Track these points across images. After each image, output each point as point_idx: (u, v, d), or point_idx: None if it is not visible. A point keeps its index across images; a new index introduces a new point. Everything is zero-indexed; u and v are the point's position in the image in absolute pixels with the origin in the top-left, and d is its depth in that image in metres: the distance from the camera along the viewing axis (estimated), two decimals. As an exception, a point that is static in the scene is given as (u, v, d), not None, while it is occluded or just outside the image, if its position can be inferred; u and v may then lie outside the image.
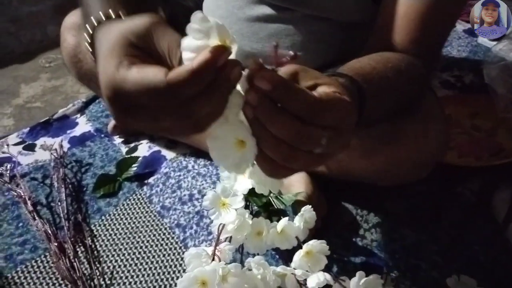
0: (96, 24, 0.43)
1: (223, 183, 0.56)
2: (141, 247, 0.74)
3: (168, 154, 0.92)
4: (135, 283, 0.69)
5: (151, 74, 0.32)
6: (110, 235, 0.76)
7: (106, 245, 0.75)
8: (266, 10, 0.78)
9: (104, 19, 0.42)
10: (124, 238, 0.76)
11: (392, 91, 0.56)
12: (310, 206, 0.61)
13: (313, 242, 0.56)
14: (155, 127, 0.35)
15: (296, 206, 0.67)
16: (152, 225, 0.77)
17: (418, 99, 0.65)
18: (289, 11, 0.77)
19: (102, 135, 0.97)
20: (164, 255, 0.72)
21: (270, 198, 0.68)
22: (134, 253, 0.73)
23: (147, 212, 0.79)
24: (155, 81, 0.32)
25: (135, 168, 0.87)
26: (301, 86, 0.35)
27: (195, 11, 0.33)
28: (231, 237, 0.58)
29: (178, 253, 0.72)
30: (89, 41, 0.44)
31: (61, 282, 0.69)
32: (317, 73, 0.38)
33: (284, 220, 0.58)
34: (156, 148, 0.93)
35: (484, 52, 1.29)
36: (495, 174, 0.87)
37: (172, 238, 0.75)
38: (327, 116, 0.34)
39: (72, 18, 0.83)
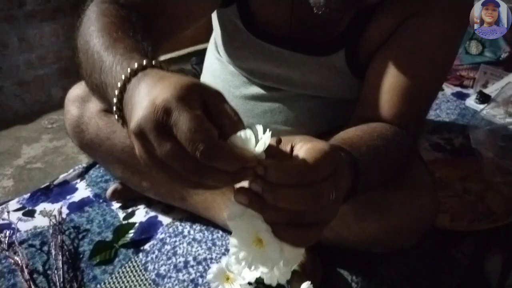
0: (133, 72, 0.43)
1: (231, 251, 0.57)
2: (135, 317, 0.73)
3: (165, 219, 0.93)
4: None
5: (208, 126, 0.36)
6: (105, 304, 0.76)
7: (100, 315, 0.74)
8: (259, 89, 0.83)
9: (140, 68, 0.43)
10: (118, 307, 0.75)
11: (380, 159, 0.58)
12: (310, 282, 0.61)
13: None
14: (170, 170, 0.37)
15: (291, 277, 0.68)
16: (147, 294, 0.77)
17: (405, 167, 0.68)
18: (280, 91, 0.82)
19: (101, 201, 0.99)
20: (158, 325, 0.72)
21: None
22: (128, 323, 0.73)
23: (142, 280, 0.80)
24: (208, 135, 0.35)
25: (131, 234, 0.89)
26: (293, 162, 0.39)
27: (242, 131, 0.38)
28: None
29: (173, 323, 0.72)
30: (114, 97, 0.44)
31: None
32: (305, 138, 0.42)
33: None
34: (153, 213, 0.95)
35: (472, 115, 1.34)
36: (486, 237, 0.88)
37: (167, 307, 0.75)
38: (324, 169, 0.39)
39: (76, 91, 0.88)
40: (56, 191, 1.03)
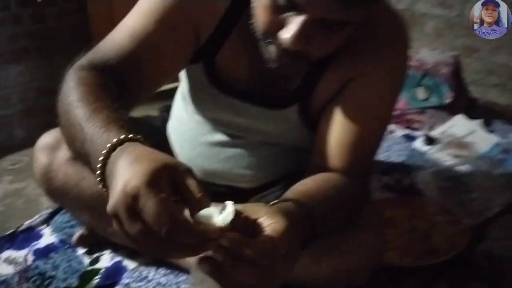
0: (115, 146, 0.49)
1: None
2: None
3: (130, 263, 0.96)
4: None
5: (171, 208, 0.41)
6: None
7: None
8: (223, 137, 0.90)
9: (120, 143, 0.49)
10: None
11: (334, 208, 0.66)
12: None
13: None
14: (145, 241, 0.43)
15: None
16: None
17: (357, 213, 0.75)
18: (242, 138, 0.89)
19: (66, 246, 1.01)
20: None
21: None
22: None
23: (108, 325, 0.82)
24: (171, 216, 0.41)
25: (97, 280, 0.91)
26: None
27: None
28: None
29: None
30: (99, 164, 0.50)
31: None
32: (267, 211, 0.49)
33: None
34: (119, 258, 0.97)
35: (419, 157, 1.46)
36: (432, 272, 0.96)
37: None
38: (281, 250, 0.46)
39: (46, 139, 0.91)
40: (21, 237, 1.04)
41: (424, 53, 2.00)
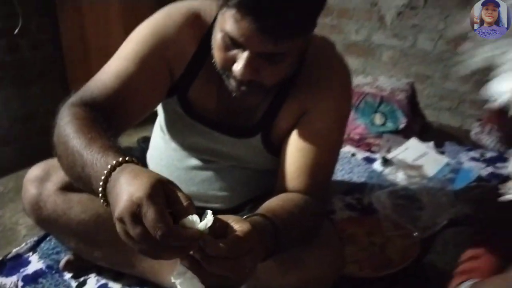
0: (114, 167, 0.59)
1: None
2: None
3: (115, 285, 1.04)
4: None
5: (166, 217, 0.52)
6: None
7: None
8: (197, 162, 1.00)
9: (118, 164, 0.59)
10: None
11: (297, 223, 0.76)
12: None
13: None
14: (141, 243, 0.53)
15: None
16: None
17: (317, 228, 0.87)
18: (215, 163, 1.00)
19: (54, 272, 1.08)
20: None
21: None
22: None
23: None
24: (165, 224, 0.51)
25: (85, 302, 0.98)
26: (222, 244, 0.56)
27: None
28: None
29: None
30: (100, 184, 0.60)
31: None
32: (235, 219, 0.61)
33: None
34: (104, 281, 1.05)
35: (377, 177, 1.59)
36: (388, 282, 1.08)
37: None
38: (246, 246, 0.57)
39: (34, 171, 0.99)
40: (10, 265, 1.10)
41: (382, 80, 2.17)
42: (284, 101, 0.90)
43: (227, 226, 0.59)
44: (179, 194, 0.56)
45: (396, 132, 1.82)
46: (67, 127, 0.72)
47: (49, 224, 0.99)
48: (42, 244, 1.17)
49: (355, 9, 2.27)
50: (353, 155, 1.79)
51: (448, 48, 2.00)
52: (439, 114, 2.18)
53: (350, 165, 1.70)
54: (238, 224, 0.59)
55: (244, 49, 0.73)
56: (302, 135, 0.89)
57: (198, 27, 0.88)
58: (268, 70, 0.76)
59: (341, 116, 0.93)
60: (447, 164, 1.62)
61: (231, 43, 0.74)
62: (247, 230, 0.59)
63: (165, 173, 1.02)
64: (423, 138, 1.79)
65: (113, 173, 0.59)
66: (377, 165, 1.68)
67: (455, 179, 1.54)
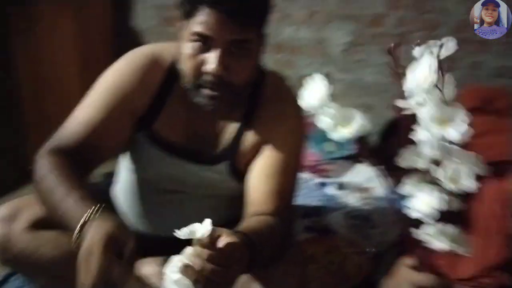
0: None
1: None
2: None
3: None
4: None
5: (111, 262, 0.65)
6: None
7: None
8: (167, 193, 1.06)
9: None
10: None
11: (269, 242, 0.84)
12: None
13: None
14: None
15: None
16: None
17: (285, 248, 0.95)
18: (184, 192, 1.05)
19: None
20: None
21: None
22: None
23: None
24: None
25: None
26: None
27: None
28: None
29: None
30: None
31: None
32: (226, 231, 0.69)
33: None
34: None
35: (332, 200, 1.71)
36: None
37: None
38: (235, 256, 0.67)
39: (3, 211, 1.00)
40: (-24, 303, 1.09)
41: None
42: (247, 131, 0.99)
43: (219, 237, 0.67)
44: (128, 248, 0.69)
45: (347, 158, 1.96)
46: (47, 176, 0.82)
47: (17, 263, 1.00)
48: (10, 283, 1.17)
49: (305, 46, 2.45)
50: (309, 180, 1.90)
51: (388, 80, 2.19)
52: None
53: (306, 190, 1.81)
54: (229, 237, 0.67)
55: (214, 47, 0.84)
56: (265, 164, 0.98)
57: (160, 64, 0.98)
58: (236, 67, 0.87)
59: (297, 145, 1.03)
60: (392, 186, 1.77)
61: (201, 42, 0.85)
62: (238, 242, 0.67)
63: (135, 206, 1.09)
64: (372, 163, 1.93)
65: (88, 222, 0.72)
66: (331, 189, 1.80)
67: (398, 200, 1.67)
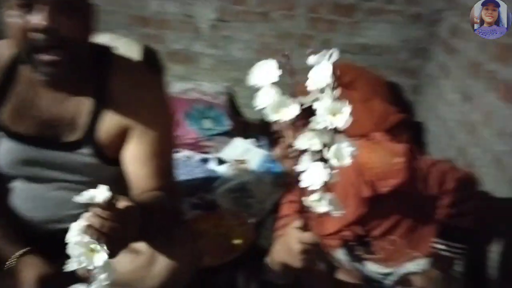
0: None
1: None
2: None
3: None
4: None
5: None
6: None
7: None
8: (43, 185, 1.01)
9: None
10: None
11: (158, 210, 0.92)
12: None
13: None
14: None
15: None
16: None
17: (173, 215, 1.03)
18: (61, 182, 1.01)
19: None
20: None
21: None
22: None
23: None
24: None
25: None
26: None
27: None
28: None
29: None
30: None
31: None
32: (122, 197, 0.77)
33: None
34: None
35: (214, 175, 1.86)
36: (235, 265, 1.36)
37: None
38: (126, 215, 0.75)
39: None
40: None
41: (205, 86, 2.45)
42: (104, 110, 0.96)
43: (117, 200, 0.74)
44: None
45: (224, 134, 2.11)
46: None
47: None
48: None
49: (173, 21, 2.47)
50: (189, 158, 2.02)
51: (255, 56, 2.37)
52: (254, 112, 2.56)
53: (188, 168, 1.92)
54: (126, 201, 0.76)
55: (39, 5, 0.80)
56: (138, 149, 0.98)
57: None
58: (66, 22, 0.83)
59: (165, 123, 1.04)
60: (266, 155, 1.96)
61: (25, 7, 0.81)
62: (134, 205, 0.76)
63: (23, 209, 1.06)
64: (247, 135, 2.12)
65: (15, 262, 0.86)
66: (212, 165, 1.94)
67: (273, 167, 1.90)
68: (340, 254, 1.18)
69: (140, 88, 0.98)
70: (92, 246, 0.69)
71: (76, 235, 0.69)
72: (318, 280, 1.11)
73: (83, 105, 0.95)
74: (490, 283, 1.21)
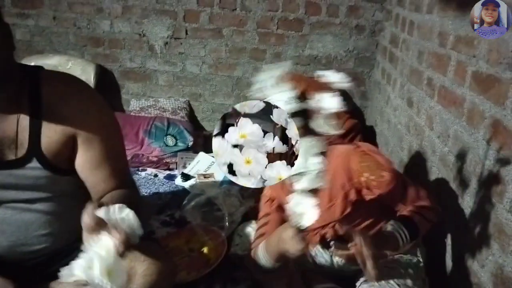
0: None
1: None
2: None
3: None
4: None
5: None
6: None
7: None
8: (6, 210, 1.01)
9: None
10: None
11: (127, 201, 0.90)
12: None
13: None
14: None
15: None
16: None
17: (142, 206, 1.05)
18: (21, 202, 1.01)
19: None
20: None
21: None
22: None
23: None
24: None
25: None
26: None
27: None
28: None
29: None
30: None
31: None
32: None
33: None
34: None
35: (182, 191, 1.90)
36: (211, 277, 1.41)
37: None
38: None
39: None
40: None
41: (163, 102, 2.48)
42: (45, 123, 0.96)
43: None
44: None
45: (187, 149, 2.15)
46: None
47: None
48: None
49: (125, 39, 2.49)
50: (155, 175, 2.05)
51: (211, 71, 2.44)
52: (213, 125, 2.63)
53: (155, 185, 1.96)
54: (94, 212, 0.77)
55: None
56: (89, 154, 1.00)
57: None
58: None
59: (110, 125, 1.05)
60: (230, 167, 2.03)
61: None
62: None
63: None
64: (208, 149, 2.18)
65: None
66: (178, 181, 1.98)
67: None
68: (317, 250, 1.27)
69: (76, 95, 0.99)
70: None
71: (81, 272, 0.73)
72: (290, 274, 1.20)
73: (21, 122, 0.95)
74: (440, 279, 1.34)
